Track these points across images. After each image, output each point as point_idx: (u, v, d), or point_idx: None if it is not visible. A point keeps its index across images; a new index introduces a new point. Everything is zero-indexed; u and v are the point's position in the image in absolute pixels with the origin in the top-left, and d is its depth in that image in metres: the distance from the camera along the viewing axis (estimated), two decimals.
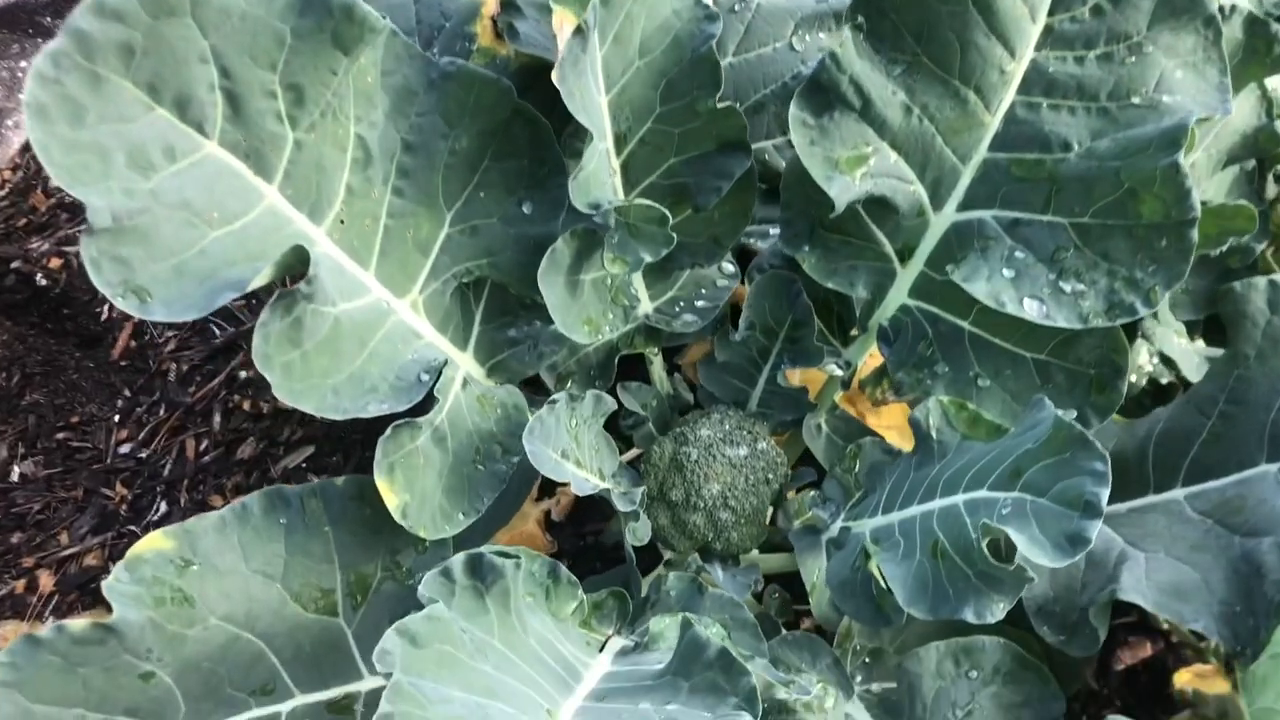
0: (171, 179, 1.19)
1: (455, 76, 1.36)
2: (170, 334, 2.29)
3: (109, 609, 1.20)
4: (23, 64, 2.64)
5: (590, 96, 1.38)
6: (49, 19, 2.69)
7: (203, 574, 1.25)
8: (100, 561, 2.02)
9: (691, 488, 1.52)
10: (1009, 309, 1.36)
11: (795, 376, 1.62)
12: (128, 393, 2.21)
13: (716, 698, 1.04)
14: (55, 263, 2.32)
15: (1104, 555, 1.39)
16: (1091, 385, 1.40)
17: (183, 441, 2.14)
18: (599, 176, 1.41)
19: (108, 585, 1.20)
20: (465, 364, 1.46)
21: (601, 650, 1.27)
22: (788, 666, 1.38)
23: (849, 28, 1.38)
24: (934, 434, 1.31)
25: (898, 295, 1.51)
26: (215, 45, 1.19)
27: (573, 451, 1.38)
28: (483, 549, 1.15)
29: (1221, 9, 1.33)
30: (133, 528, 2.05)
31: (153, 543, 1.24)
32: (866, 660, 1.45)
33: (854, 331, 1.61)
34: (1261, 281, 1.43)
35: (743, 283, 1.68)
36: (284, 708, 1.27)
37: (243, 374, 2.22)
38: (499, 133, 1.39)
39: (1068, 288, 1.34)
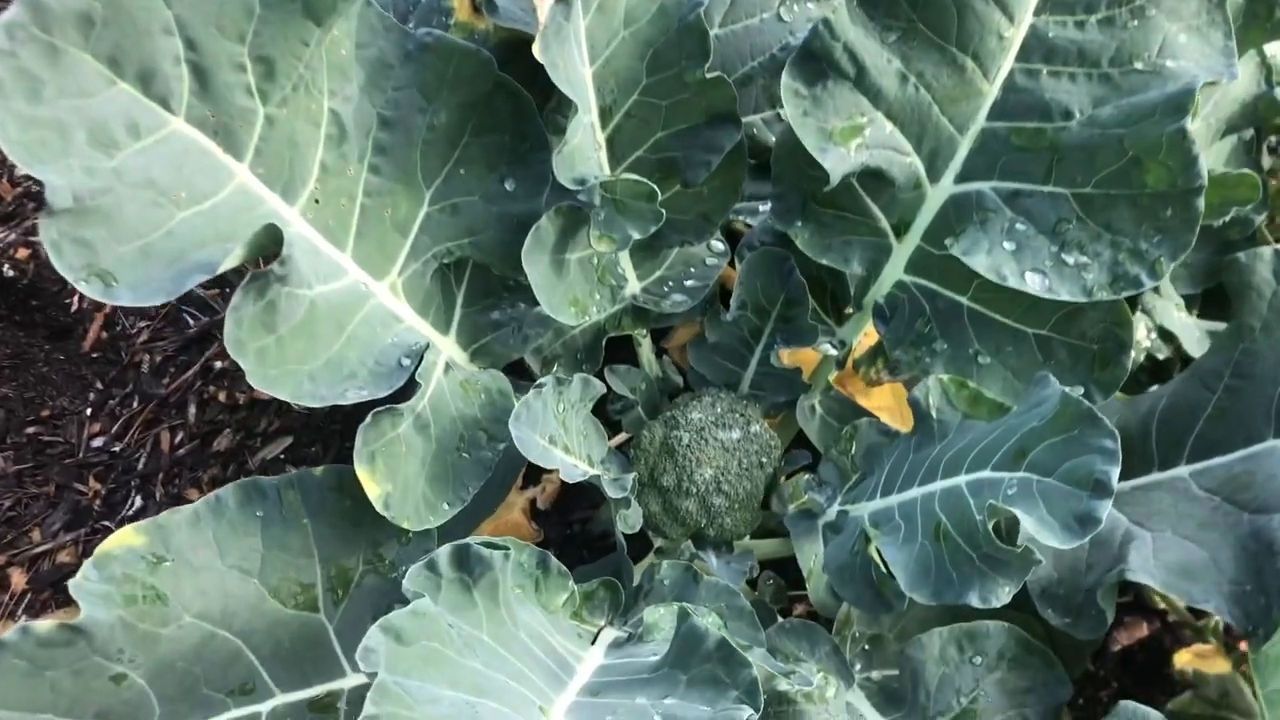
0: (136, 157, 1.14)
1: (433, 48, 1.31)
2: (143, 324, 2.24)
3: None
4: None
5: (574, 68, 1.34)
6: None
7: (176, 570, 1.20)
8: (74, 559, 1.97)
9: (683, 472, 1.48)
10: (1010, 283, 1.32)
11: (787, 357, 1.58)
12: (99, 385, 2.17)
13: (716, 691, 1.01)
14: (22, 253, 2.26)
15: (1109, 535, 1.35)
16: (1095, 361, 1.37)
17: (157, 434, 2.10)
18: (584, 151, 1.36)
19: (75, 584, 1.15)
20: (447, 348, 1.41)
21: (594, 642, 1.23)
22: (786, 656, 1.34)
23: None
24: (934, 413, 1.29)
25: (894, 271, 1.47)
26: (180, 15, 1.14)
27: (560, 437, 1.34)
28: (469, 540, 1.11)
29: None
30: (107, 523, 2.01)
31: (123, 539, 1.19)
32: (866, 647, 1.42)
33: (849, 309, 1.57)
34: (1267, 251, 1.40)
35: (732, 264, 1.64)
36: (264, 707, 1.23)
37: (218, 364, 2.17)
38: (479, 106, 1.35)
39: (1070, 260, 1.31)
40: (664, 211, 1.36)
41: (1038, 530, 1.02)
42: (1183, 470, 1.41)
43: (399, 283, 1.36)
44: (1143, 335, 1.61)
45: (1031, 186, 1.34)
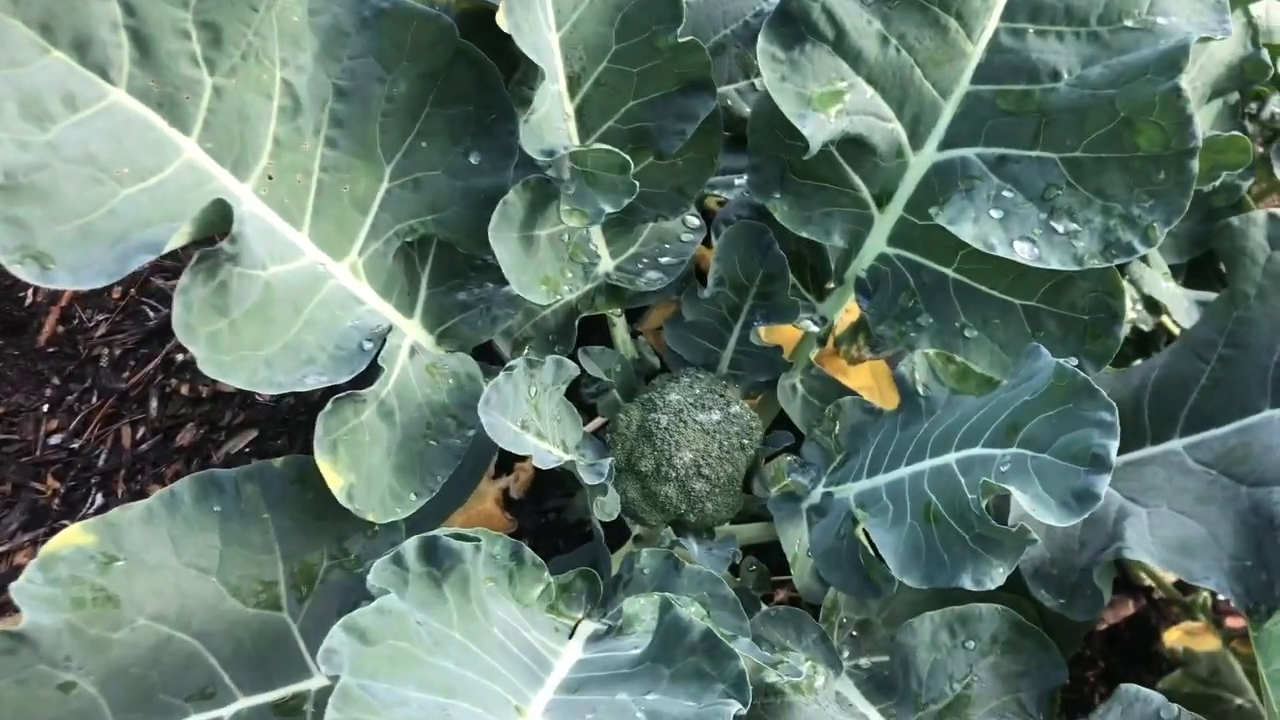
0: (73, 130, 1.08)
1: (390, 14, 1.25)
2: (101, 318, 2.18)
3: None
4: None
5: (540, 33, 1.28)
6: None
7: (128, 570, 1.14)
8: (32, 560, 1.89)
9: (662, 457, 1.44)
10: (999, 251, 1.28)
11: (766, 335, 1.53)
12: (56, 381, 2.10)
13: (702, 685, 0.96)
14: None
15: (1102, 512, 1.32)
16: (1086, 332, 1.34)
17: (117, 430, 2.04)
18: (551, 121, 1.31)
19: (17, 588, 1.08)
20: (412, 331, 1.35)
21: (572, 636, 1.18)
22: (771, 644, 1.30)
23: None
24: (920, 389, 1.26)
25: (876, 243, 1.43)
26: None
27: (533, 422, 1.28)
28: (438, 532, 1.05)
29: None
30: (66, 522, 1.93)
31: (70, 538, 1.12)
32: (854, 634, 1.39)
33: (830, 284, 1.54)
34: (1261, 215, 1.36)
35: (707, 243, 1.59)
36: (225, 712, 1.17)
37: (179, 357, 2.11)
38: (440, 76, 1.29)
39: (1060, 227, 1.27)
40: (637, 184, 1.31)
41: (1033, 508, 0.99)
42: (1176, 444, 1.38)
43: (359, 263, 1.30)
44: (1127, 306, 1.57)
45: (1019, 152, 1.30)
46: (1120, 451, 1.37)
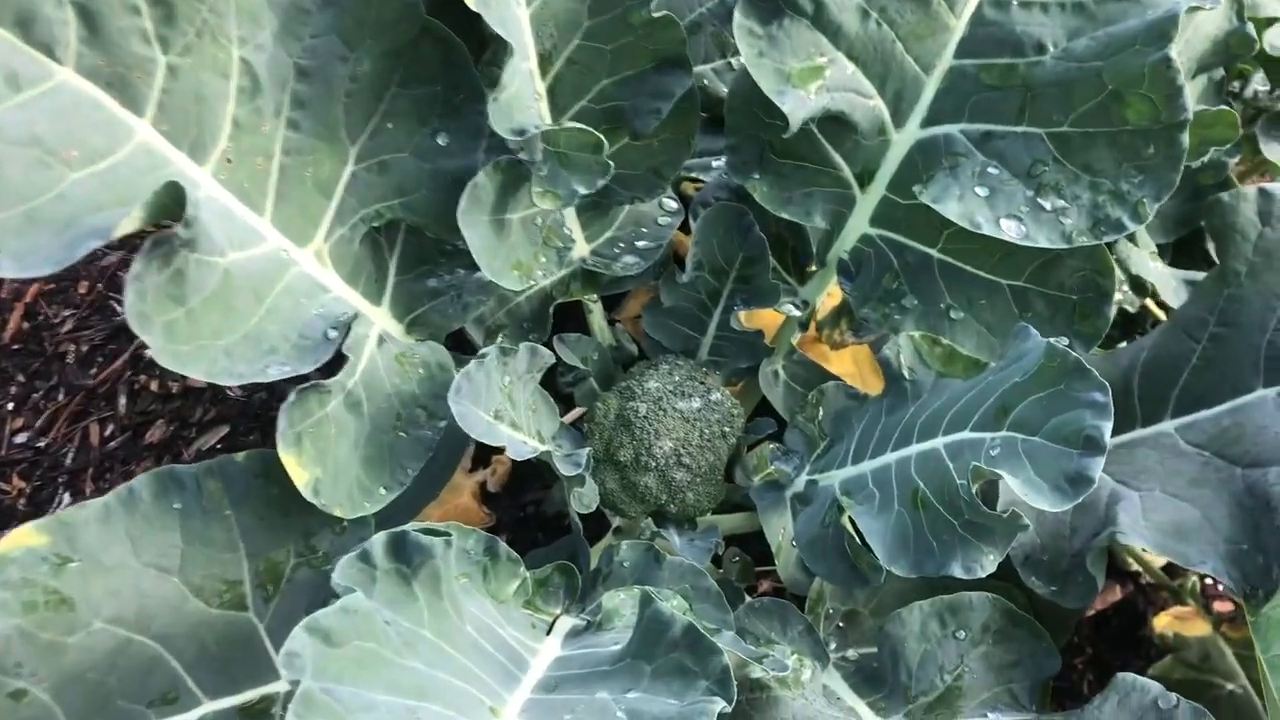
0: (16, 112, 1.03)
1: None
2: (67, 313, 2.14)
3: None
4: None
5: (509, 8, 1.25)
6: None
7: (84, 571, 1.09)
8: None
9: (641, 446, 1.40)
10: (985, 230, 1.25)
11: (747, 320, 1.50)
12: (21, 378, 2.06)
13: (684, 682, 0.92)
14: None
15: (1093, 497, 1.28)
16: (1074, 312, 1.31)
17: (85, 427, 2.00)
18: (522, 100, 1.27)
19: None
20: (381, 320, 1.30)
21: (549, 633, 1.14)
22: (756, 638, 1.27)
23: None
24: (906, 373, 1.23)
25: (858, 224, 1.40)
26: None
27: (507, 412, 1.24)
28: (407, 527, 1.01)
29: None
30: None
31: (21, 539, 1.08)
32: (840, 625, 1.35)
33: (811, 267, 1.50)
34: (1251, 191, 1.33)
35: (685, 230, 1.56)
36: (189, 717, 1.12)
37: (149, 352, 2.05)
38: (406, 54, 1.25)
39: (1048, 205, 1.24)
40: (611, 164, 1.27)
41: (1025, 492, 0.96)
42: (1168, 425, 1.35)
43: (324, 249, 1.25)
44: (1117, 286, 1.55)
45: (1004, 128, 1.27)
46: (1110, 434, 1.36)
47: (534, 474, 1.78)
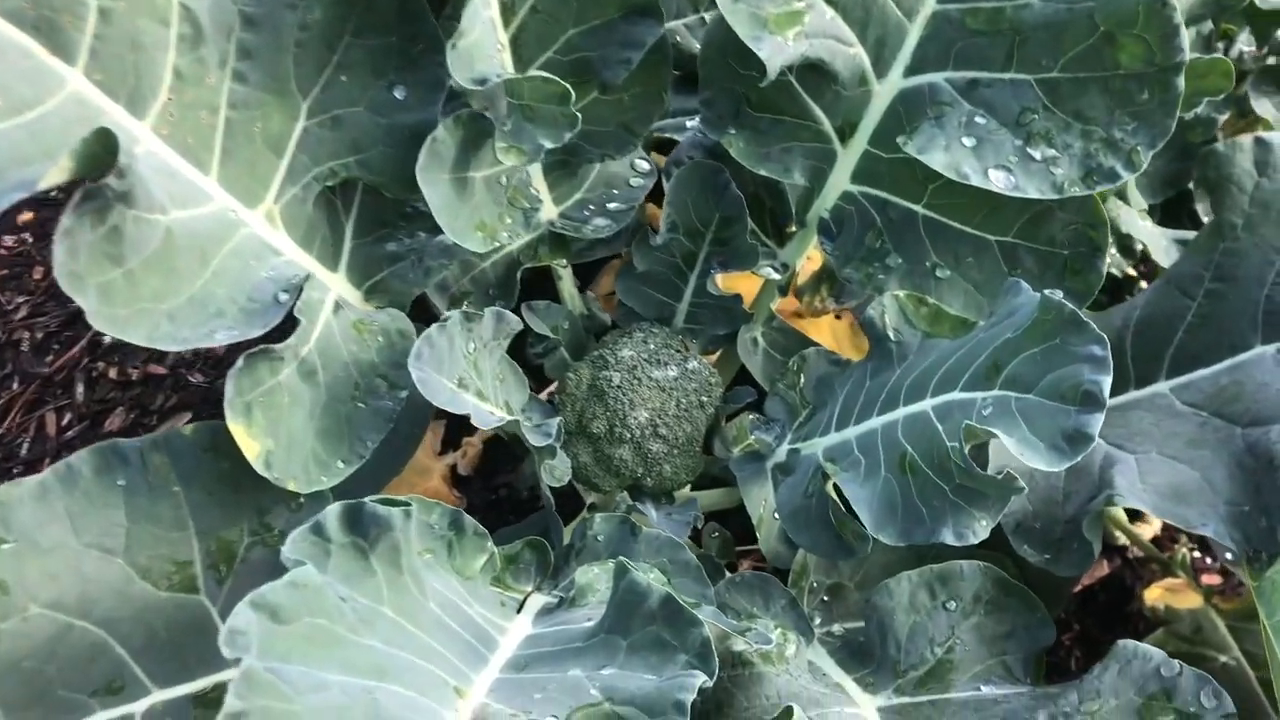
0: None
1: None
2: (21, 300, 2.10)
3: None
4: None
5: None
6: None
7: (18, 553, 1.02)
8: None
9: (615, 417, 1.34)
10: (973, 181, 1.20)
11: (724, 284, 1.44)
12: None
13: (662, 656, 0.86)
14: None
15: (1087, 460, 1.24)
16: (1065, 268, 1.26)
17: (41, 416, 1.96)
18: (483, 48, 1.20)
19: None
20: (337, 286, 1.23)
21: (520, 610, 1.08)
22: (738, 613, 1.21)
23: None
24: (891, 334, 1.19)
25: (840, 180, 1.35)
26: None
27: (472, 381, 1.17)
28: (364, 499, 0.94)
29: None
30: None
31: None
32: (825, 599, 1.30)
33: (791, 228, 1.45)
34: (1247, 141, 1.28)
35: (659, 203, 1.49)
36: (137, 707, 1.05)
37: (107, 339, 2.04)
38: (359, 1, 1.17)
39: (1037, 154, 1.19)
40: (579, 116, 1.21)
41: (1021, 452, 0.91)
42: (1163, 386, 1.31)
43: (276, 210, 1.18)
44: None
45: (991, 75, 1.22)
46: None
47: (506, 457, 1.74)
